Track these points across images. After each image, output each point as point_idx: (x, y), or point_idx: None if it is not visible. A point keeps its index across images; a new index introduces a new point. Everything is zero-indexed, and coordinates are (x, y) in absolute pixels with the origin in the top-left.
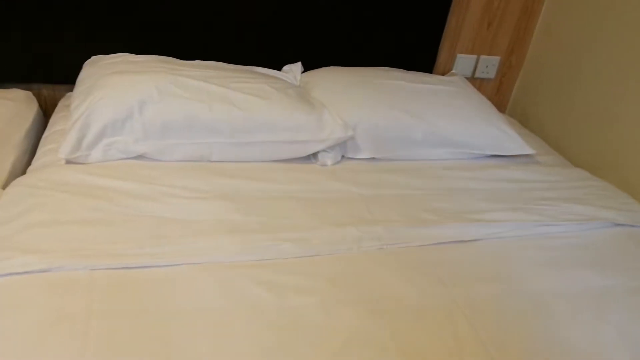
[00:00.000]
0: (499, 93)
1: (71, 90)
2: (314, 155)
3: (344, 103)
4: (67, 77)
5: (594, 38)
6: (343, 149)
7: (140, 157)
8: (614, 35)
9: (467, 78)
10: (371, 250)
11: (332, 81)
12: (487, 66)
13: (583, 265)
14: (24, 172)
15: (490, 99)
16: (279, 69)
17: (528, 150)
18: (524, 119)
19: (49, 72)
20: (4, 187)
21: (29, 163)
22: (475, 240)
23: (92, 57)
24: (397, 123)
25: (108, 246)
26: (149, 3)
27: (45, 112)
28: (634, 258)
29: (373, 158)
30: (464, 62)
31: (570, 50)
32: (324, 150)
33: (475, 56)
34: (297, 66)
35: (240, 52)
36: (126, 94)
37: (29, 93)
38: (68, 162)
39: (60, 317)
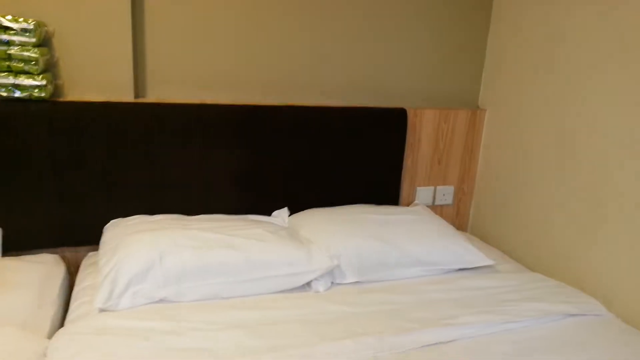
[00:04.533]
0: (458, 216)
1: (91, 250)
2: (308, 284)
3: (328, 238)
4: (87, 240)
5: (525, 163)
6: (331, 276)
7: (161, 300)
8: (540, 158)
9: (428, 206)
10: (366, 357)
11: (315, 221)
12: (444, 194)
13: (545, 352)
14: (62, 325)
15: (452, 221)
16: (269, 214)
17: (488, 262)
18: (483, 234)
19: (71, 237)
20: (49, 337)
21: (63, 317)
22: (452, 340)
23: (112, 221)
24: (374, 251)
25: None
26: (153, 173)
27: (69, 271)
28: (587, 341)
29: (358, 282)
30: (423, 193)
31: (509, 173)
32: (315, 279)
33: (432, 187)
34: (284, 211)
35: (236, 205)
36: (148, 249)
37: (56, 256)
38: (101, 310)
39: None
